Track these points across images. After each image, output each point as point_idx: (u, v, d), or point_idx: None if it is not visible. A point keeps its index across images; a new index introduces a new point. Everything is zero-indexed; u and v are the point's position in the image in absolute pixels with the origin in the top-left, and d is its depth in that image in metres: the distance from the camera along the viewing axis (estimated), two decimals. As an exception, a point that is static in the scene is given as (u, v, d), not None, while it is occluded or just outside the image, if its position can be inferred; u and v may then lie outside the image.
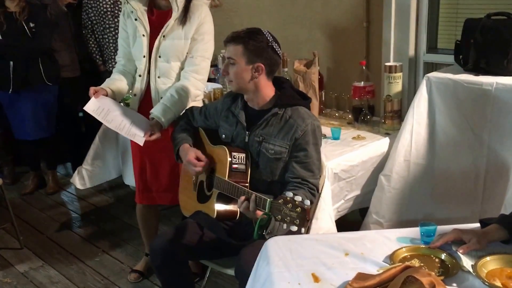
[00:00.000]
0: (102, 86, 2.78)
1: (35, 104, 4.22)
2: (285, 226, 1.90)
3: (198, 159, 2.47)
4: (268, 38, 2.31)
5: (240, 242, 2.34)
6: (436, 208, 2.73)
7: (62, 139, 4.66)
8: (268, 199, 1.99)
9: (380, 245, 1.82)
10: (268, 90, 2.36)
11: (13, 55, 4.04)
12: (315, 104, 3.10)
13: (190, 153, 2.49)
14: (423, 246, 1.80)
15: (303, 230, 1.92)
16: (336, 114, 3.31)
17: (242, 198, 2.10)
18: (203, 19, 2.75)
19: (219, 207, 2.37)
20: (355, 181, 2.78)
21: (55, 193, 4.62)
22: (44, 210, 4.34)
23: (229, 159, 2.34)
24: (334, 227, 2.59)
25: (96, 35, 4.38)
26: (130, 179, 3.68)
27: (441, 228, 1.85)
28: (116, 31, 4.26)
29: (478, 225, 1.85)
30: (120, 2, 4.15)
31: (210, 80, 3.48)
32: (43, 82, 4.16)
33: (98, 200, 4.44)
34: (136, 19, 2.77)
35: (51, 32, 4.21)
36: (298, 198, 1.89)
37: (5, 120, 4.42)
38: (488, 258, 1.66)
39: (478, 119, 2.56)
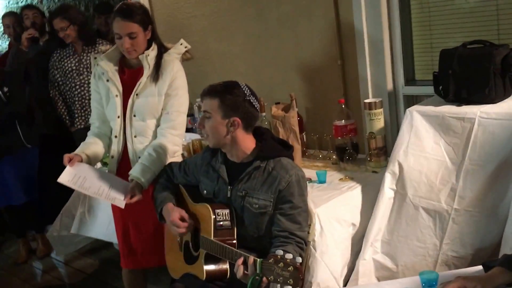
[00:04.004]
0: (76, 151, 2.70)
1: (16, 168, 4.15)
2: (278, 286, 1.82)
3: (182, 219, 2.38)
4: (246, 91, 2.25)
5: (233, 304, 2.24)
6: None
7: (46, 200, 4.53)
8: (259, 259, 1.91)
9: (381, 300, 1.73)
10: (247, 143, 2.30)
11: None
12: (297, 148, 3.02)
13: (173, 213, 2.41)
14: (427, 297, 1.71)
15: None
16: (320, 155, 3.23)
17: (239, 262, 2.00)
18: (175, 74, 2.71)
19: (208, 267, 2.28)
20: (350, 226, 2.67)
21: (47, 256, 4.48)
22: (27, 280, 4.17)
23: (213, 216, 2.26)
24: (333, 279, 2.47)
25: (63, 96, 4.31)
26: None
27: (443, 275, 1.76)
28: (81, 88, 4.20)
29: (480, 268, 1.77)
30: (84, 60, 4.13)
31: (187, 130, 3.41)
32: (23, 145, 4.11)
33: (82, 264, 4.27)
34: (108, 80, 2.72)
35: (25, 95, 4.17)
36: (289, 256, 1.83)
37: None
38: (496, 306, 1.57)
39: (459, 150, 2.49)
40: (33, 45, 4.49)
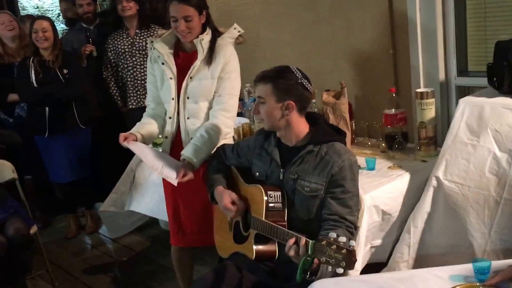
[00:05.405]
0: (131, 131, 2.79)
1: (69, 147, 4.33)
2: (330, 268, 1.85)
3: (233, 202, 2.45)
4: (297, 75, 2.29)
5: (282, 283, 2.29)
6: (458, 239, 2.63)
7: (97, 178, 4.72)
8: (311, 241, 1.94)
9: (432, 285, 1.75)
10: (301, 126, 2.34)
11: (49, 101, 4.16)
12: (347, 135, 3.05)
13: (225, 197, 2.46)
14: (478, 284, 1.73)
15: (350, 272, 1.86)
16: (369, 143, 3.25)
17: (291, 241, 2.04)
18: (228, 58, 2.76)
19: (258, 247, 2.33)
20: (395, 215, 2.70)
21: (95, 232, 4.67)
22: (77, 254, 4.34)
23: (265, 198, 2.31)
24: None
25: (115, 77, 4.45)
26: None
27: (496, 264, 1.78)
28: (133, 70, 4.35)
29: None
30: (137, 42, 4.25)
31: (237, 114, 3.47)
32: (77, 125, 4.28)
33: (130, 241, 4.41)
34: (163, 63, 2.78)
35: (84, 78, 4.34)
36: (343, 239, 1.85)
37: (36, 165, 4.50)
38: (549, 295, 1.58)
39: (509, 140, 2.47)
40: (90, 58, 4.62)
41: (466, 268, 1.82)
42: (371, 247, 2.62)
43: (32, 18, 4.42)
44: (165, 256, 3.81)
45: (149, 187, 3.63)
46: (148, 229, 4.52)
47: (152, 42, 2.85)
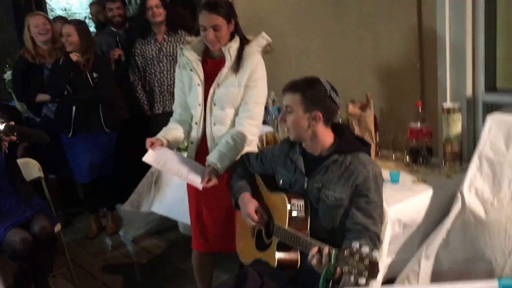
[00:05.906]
0: (158, 136, 2.83)
1: (92, 149, 4.38)
2: (352, 278, 1.85)
3: (257, 212, 2.47)
4: (326, 87, 2.30)
5: (304, 292, 2.30)
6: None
7: (119, 180, 4.78)
8: (334, 250, 1.95)
9: (456, 300, 1.75)
10: (326, 137, 2.35)
11: (75, 102, 4.25)
12: (371, 147, 3.05)
13: (250, 206, 2.50)
14: (503, 301, 1.72)
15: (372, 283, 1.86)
16: (393, 156, 3.25)
17: (314, 250, 2.04)
18: (256, 66, 2.79)
19: (280, 255, 2.34)
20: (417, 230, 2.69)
21: (115, 233, 4.70)
22: (97, 254, 4.38)
23: (288, 206, 2.32)
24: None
25: (143, 81, 4.50)
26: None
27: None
28: (161, 75, 4.41)
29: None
30: (164, 48, 4.35)
31: (262, 122, 3.50)
32: (102, 128, 4.35)
33: (149, 244, 4.45)
34: (191, 70, 2.82)
35: (113, 82, 4.41)
36: (366, 250, 1.85)
37: (59, 164, 4.57)
38: None
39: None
40: (118, 62, 4.71)
41: (491, 286, 1.81)
42: (392, 260, 2.62)
43: (64, 21, 4.52)
44: (185, 260, 3.85)
45: (170, 188, 3.67)
46: (168, 233, 4.55)
47: (181, 49, 2.90)
